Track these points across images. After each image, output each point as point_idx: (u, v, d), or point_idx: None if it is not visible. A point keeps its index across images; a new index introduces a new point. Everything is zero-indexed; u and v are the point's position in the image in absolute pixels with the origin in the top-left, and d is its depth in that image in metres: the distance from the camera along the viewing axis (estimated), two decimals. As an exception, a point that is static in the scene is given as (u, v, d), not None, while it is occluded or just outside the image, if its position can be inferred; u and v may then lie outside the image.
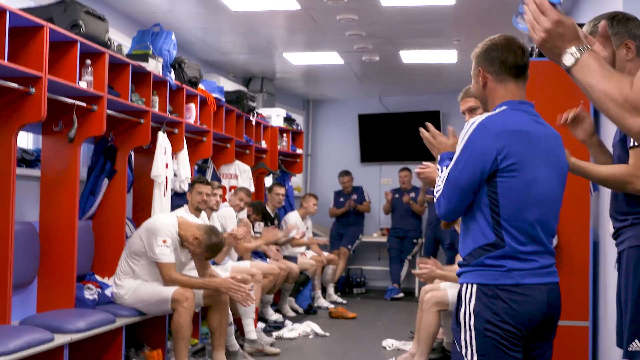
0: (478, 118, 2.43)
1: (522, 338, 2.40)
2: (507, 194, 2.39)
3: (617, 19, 2.93)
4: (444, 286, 5.35)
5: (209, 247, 5.06)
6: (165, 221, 5.10)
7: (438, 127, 10.60)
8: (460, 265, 2.52)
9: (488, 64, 2.55)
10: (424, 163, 3.61)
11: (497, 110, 2.49)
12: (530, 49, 5.55)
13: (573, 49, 1.76)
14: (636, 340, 2.88)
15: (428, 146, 2.93)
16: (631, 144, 2.79)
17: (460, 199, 2.41)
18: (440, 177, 2.52)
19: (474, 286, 2.42)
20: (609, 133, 4.69)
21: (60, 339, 4.10)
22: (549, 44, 1.80)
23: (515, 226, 2.39)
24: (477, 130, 2.39)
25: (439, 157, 2.70)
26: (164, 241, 4.95)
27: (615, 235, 3.06)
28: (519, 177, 2.38)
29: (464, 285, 2.45)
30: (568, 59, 1.77)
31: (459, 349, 2.46)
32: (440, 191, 2.45)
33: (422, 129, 3.07)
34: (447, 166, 2.51)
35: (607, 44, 2.86)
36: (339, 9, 6.42)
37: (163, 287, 5.01)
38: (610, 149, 3.12)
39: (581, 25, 5.17)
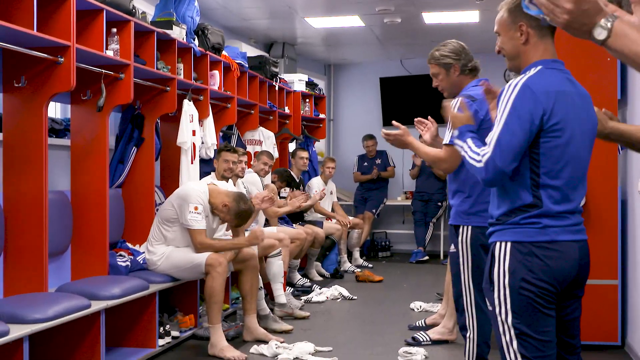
0: (520, 79, 2.40)
1: (556, 295, 2.41)
2: (548, 154, 2.38)
3: None
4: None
5: (237, 214, 5.10)
6: (196, 188, 5.14)
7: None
8: (491, 224, 2.52)
9: (530, 17, 2.45)
10: (394, 123, 3.71)
11: (533, 70, 2.44)
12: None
13: (603, 22, 1.69)
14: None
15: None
16: None
17: (514, 160, 2.35)
18: (469, 149, 2.51)
19: (509, 244, 2.41)
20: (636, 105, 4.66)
21: (96, 305, 4.17)
22: (575, 24, 1.74)
23: (552, 186, 2.39)
24: (522, 92, 2.36)
25: (456, 132, 2.67)
26: (195, 208, 5.00)
27: None
28: (560, 136, 2.38)
29: (498, 244, 2.45)
30: (600, 34, 1.70)
31: (491, 308, 2.46)
32: (489, 155, 2.38)
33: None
34: (470, 138, 2.54)
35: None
36: (362, -30, 6.37)
37: (196, 252, 5.06)
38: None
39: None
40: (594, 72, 4.93)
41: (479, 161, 2.42)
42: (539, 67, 2.44)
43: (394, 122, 3.77)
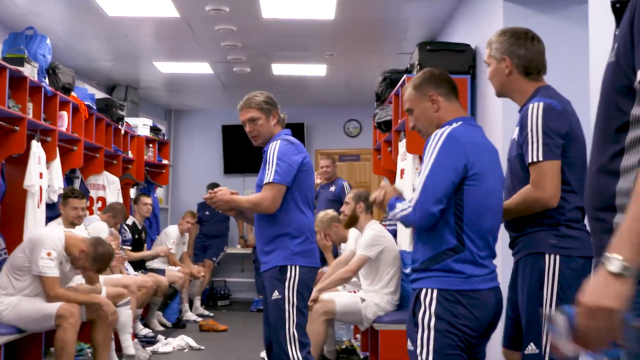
0: (444, 130, 2.57)
1: (474, 339, 2.57)
2: (471, 202, 2.56)
3: None
4: (328, 297, 5.42)
5: (95, 259, 4.87)
6: (51, 234, 4.87)
7: (302, 139, 10.77)
8: (415, 270, 2.64)
9: (437, 86, 2.80)
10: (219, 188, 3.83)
11: (455, 124, 2.65)
12: (409, 65, 5.79)
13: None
14: (532, 344, 3.05)
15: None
16: (530, 160, 2.94)
17: (440, 202, 2.51)
18: (398, 207, 2.65)
19: (435, 291, 2.56)
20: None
21: (-60, 361, 3.82)
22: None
23: (474, 231, 2.56)
24: (447, 141, 2.55)
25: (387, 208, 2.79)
26: (49, 254, 4.72)
27: (512, 245, 3.23)
28: (480, 185, 2.56)
29: (424, 290, 2.59)
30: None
31: (412, 348, 2.59)
32: (415, 199, 2.53)
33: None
34: (397, 202, 2.69)
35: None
36: (220, 18, 6.39)
37: (46, 302, 4.77)
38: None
39: (464, 45, 5.47)
40: (447, 128, 5.23)
41: (408, 207, 2.56)
42: (460, 122, 2.67)
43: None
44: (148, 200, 8.29)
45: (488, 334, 2.70)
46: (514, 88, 3.12)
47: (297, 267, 3.69)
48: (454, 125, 2.64)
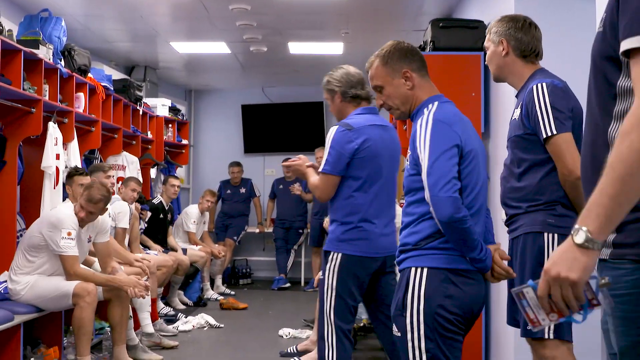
0: (426, 116, 2.48)
1: (467, 322, 2.48)
2: (466, 180, 2.46)
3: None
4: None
5: (90, 197, 4.91)
6: (67, 212, 4.93)
7: (321, 118, 10.78)
8: (403, 250, 2.54)
9: (410, 62, 2.67)
10: (299, 157, 3.82)
11: (431, 106, 2.55)
12: (422, 42, 5.75)
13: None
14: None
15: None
16: (544, 136, 2.96)
17: (454, 185, 2.38)
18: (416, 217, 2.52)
19: (425, 270, 2.44)
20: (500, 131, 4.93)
21: (-41, 339, 3.90)
22: None
23: (470, 209, 2.46)
24: (436, 126, 2.44)
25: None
26: (69, 233, 4.78)
27: (508, 223, 3.23)
28: (472, 163, 2.48)
29: (412, 270, 2.46)
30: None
31: (400, 334, 2.47)
32: (430, 197, 2.40)
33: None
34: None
35: None
36: (234, -2, 6.40)
37: (63, 281, 4.84)
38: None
39: (477, 22, 5.41)
40: (460, 106, 5.07)
41: (430, 211, 2.43)
42: (435, 103, 2.56)
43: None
44: (176, 182, 8.36)
45: (474, 319, 2.56)
46: (510, 71, 3.20)
47: (340, 254, 3.63)
48: (431, 107, 2.53)
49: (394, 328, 2.52)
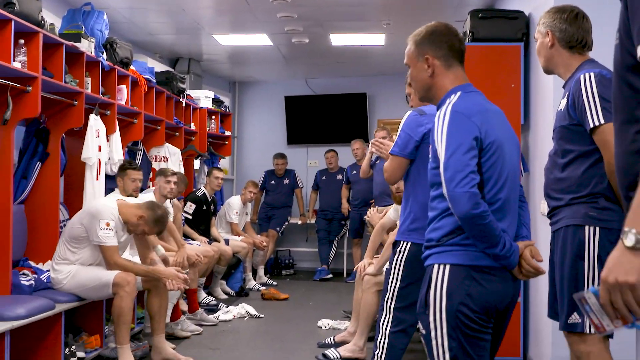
0: (445, 108, 2.42)
1: (492, 319, 2.42)
2: (488, 172, 2.40)
3: None
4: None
5: (156, 221, 5.01)
6: (107, 204, 5.02)
7: (364, 109, 10.75)
8: (428, 247, 2.49)
9: (436, 48, 2.56)
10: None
11: (454, 96, 2.48)
12: (462, 33, 5.69)
13: None
14: (575, 313, 3.02)
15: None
16: (591, 125, 2.92)
17: (472, 179, 2.32)
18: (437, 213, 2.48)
19: (447, 267, 2.39)
20: (539, 125, 4.86)
21: (1, 327, 4.00)
22: None
23: (493, 202, 2.40)
24: (453, 117, 2.38)
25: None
26: (107, 224, 4.87)
27: (550, 215, 3.19)
28: (497, 154, 2.41)
29: (435, 267, 2.42)
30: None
31: (425, 332, 2.43)
32: (447, 193, 2.35)
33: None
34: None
35: None
36: (273, -10, 6.41)
37: (103, 271, 4.93)
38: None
39: (516, 12, 5.33)
40: (499, 97, 5.09)
41: (449, 207, 2.39)
42: (458, 93, 2.49)
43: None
44: (220, 174, 8.44)
45: (506, 315, 2.51)
46: (557, 62, 3.20)
47: (409, 243, 3.61)
48: (453, 97, 2.46)
49: (419, 325, 2.48)
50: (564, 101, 3.08)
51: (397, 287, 3.64)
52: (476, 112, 2.42)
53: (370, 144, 4.06)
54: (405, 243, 3.63)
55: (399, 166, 3.60)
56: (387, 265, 3.81)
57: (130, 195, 5.73)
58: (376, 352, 3.76)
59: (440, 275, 2.40)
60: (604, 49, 3.74)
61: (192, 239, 7.60)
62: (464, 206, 2.29)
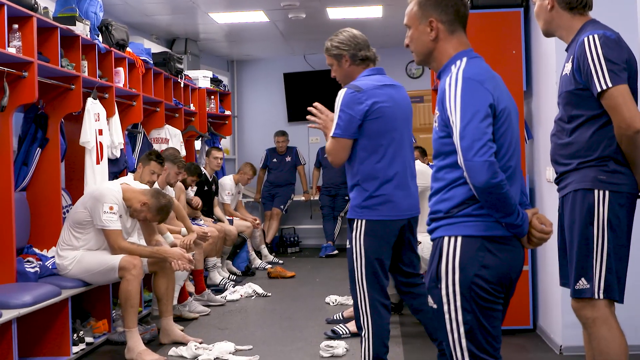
0: (455, 74, 2.34)
1: (505, 289, 2.39)
2: (501, 140, 2.33)
3: None
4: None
5: (159, 210, 4.98)
6: (110, 187, 4.99)
7: (364, 83, 10.64)
8: (435, 219, 2.43)
9: (441, 12, 2.45)
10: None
11: (459, 62, 2.39)
12: None
13: None
14: (582, 279, 2.99)
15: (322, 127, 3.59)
16: (598, 90, 2.87)
17: (490, 148, 2.25)
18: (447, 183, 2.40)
19: (459, 238, 2.33)
20: (541, 95, 4.80)
21: (8, 315, 3.98)
22: None
23: (506, 171, 2.34)
24: (467, 84, 2.30)
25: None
26: (111, 208, 4.83)
27: (558, 180, 3.15)
28: (507, 121, 2.35)
29: (446, 239, 2.35)
30: None
31: (436, 306, 2.39)
32: (464, 162, 2.27)
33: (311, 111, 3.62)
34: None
35: None
36: (268, -35, 6.32)
37: (109, 255, 4.91)
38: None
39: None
40: (501, 64, 5.03)
41: (462, 176, 2.33)
42: (464, 59, 2.41)
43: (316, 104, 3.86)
44: (219, 154, 8.39)
45: (514, 285, 2.45)
46: (559, 24, 3.12)
47: (364, 220, 3.61)
48: (459, 64, 2.37)
49: (429, 300, 2.44)
50: (569, 65, 3.02)
51: (363, 264, 3.62)
52: (487, 78, 2.36)
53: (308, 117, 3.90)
54: (359, 221, 3.63)
55: (342, 148, 3.59)
56: (348, 244, 3.74)
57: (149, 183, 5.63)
58: (362, 334, 3.70)
59: (452, 248, 2.34)
60: (605, 8, 3.73)
61: (195, 218, 7.56)
62: (484, 175, 2.23)
